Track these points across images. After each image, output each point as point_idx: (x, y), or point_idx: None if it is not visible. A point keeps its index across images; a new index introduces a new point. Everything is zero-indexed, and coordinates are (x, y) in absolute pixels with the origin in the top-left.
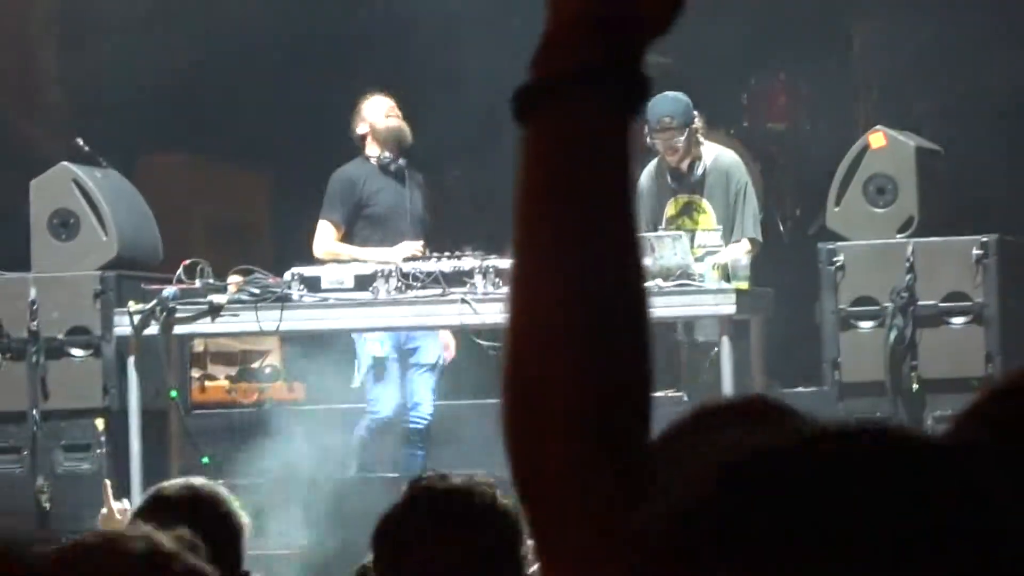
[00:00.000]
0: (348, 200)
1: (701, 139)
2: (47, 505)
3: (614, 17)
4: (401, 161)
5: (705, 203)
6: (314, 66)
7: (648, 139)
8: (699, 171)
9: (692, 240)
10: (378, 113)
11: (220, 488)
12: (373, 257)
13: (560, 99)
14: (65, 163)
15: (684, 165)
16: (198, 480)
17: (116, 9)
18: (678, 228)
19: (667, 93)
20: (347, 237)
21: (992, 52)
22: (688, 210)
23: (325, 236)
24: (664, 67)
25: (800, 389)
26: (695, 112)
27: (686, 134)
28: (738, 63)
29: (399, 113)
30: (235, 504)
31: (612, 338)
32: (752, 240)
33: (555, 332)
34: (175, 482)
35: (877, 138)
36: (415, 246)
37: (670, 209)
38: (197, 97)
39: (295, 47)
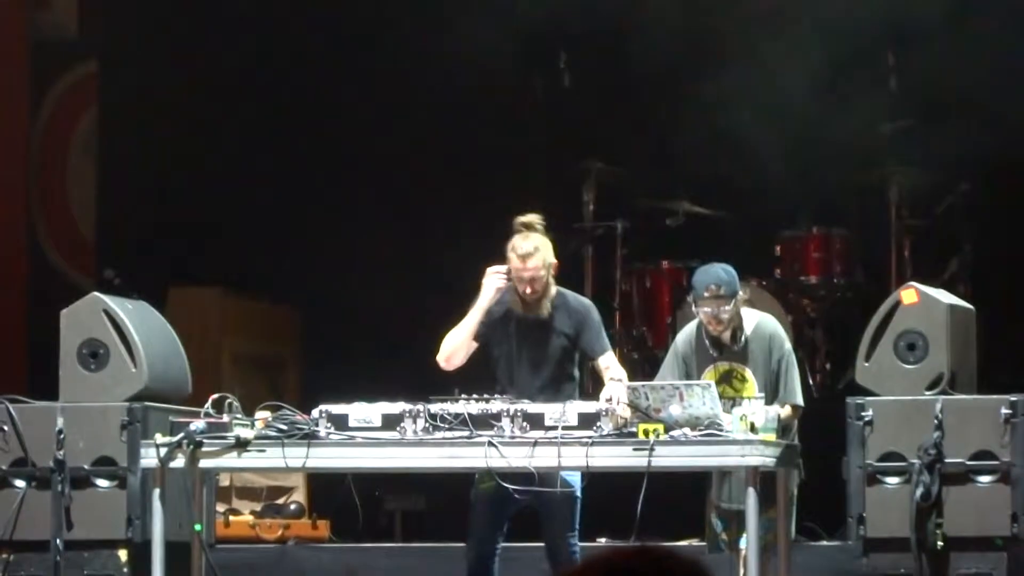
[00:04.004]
0: (486, 319)
1: (743, 308)
2: None
3: None
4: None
5: (747, 371)
6: (344, 200)
7: (693, 308)
8: (741, 340)
9: (732, 407)
10: (511, 260)
11: None
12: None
13: None
14: (96, 293)
15: (727, 334)
16: None
17: (147, 144)
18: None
19: (715, 264)
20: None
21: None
22: (728, 378)
23: None
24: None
25: (825, 543)
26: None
27: (732, 304)
28: (771, 214)
29: (529, 267)
30: None
31: None
32: (795, 407)
33: None
34: None
35: (909, 294)
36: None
37: (709, 375)
38: (228, 231)
39: (327, 184)
